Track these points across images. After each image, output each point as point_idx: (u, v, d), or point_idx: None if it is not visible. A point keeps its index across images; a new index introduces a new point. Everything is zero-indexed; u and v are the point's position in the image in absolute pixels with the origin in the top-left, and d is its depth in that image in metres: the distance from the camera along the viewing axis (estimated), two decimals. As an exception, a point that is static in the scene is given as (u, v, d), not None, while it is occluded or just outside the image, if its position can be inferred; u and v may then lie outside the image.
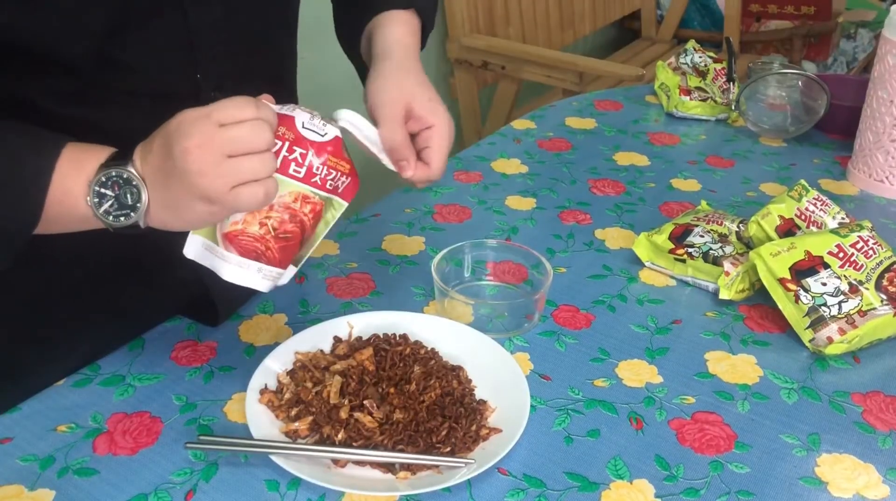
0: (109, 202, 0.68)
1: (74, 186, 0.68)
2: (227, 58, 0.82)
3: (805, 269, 0.94)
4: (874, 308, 0.92)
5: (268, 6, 0.86)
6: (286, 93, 0.96)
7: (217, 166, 0.64)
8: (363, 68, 0.93)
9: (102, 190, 0.68)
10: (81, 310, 0.88)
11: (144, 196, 0.68)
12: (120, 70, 0.76)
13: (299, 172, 0.71)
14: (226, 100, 0.66)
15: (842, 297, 0.92)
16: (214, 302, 0.91)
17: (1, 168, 0.67)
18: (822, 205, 1.06)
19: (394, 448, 0.75)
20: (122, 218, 0.68)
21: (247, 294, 0.96)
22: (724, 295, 0.99)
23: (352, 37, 0.96)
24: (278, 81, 0.94)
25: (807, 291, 0.93)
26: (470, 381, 0.85)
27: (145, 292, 0.91)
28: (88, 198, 0.68)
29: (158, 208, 0.68)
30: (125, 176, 0.67)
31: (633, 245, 1.08)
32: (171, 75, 0.79)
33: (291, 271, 0.75)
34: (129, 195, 0.68)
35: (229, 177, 0.65)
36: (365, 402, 0.78)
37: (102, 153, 0.69)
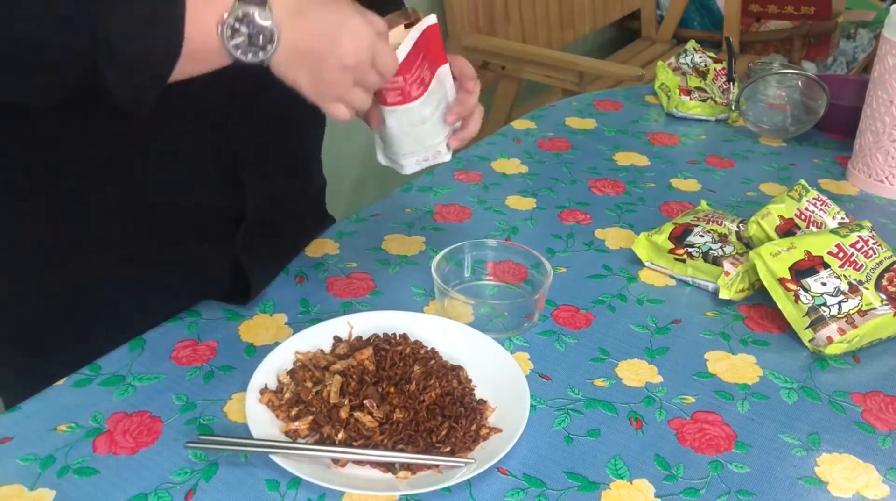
0: (241, 39, 0.70)
1: (208, 16, 0.70)
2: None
3: (805, 269, 0.94)
4: (874, 308, 0.92)
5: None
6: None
7: (343, 86, 0.75)
8: None
9: (237, 24, 0.70)
10: (124, 289, 0.93)
11: (275, 42, 0.71)
12: None
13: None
14: (386, 51, 0.76)
15: (842, 297, 0.92)
16: (248, 279, 0.95)
17: (137, 3, 0.68)
18: (821, 205, 1.06)
19: (394, 447, 0.75)
20: (250, 55, 0.71)
21: (275, 272, 1.02)
22: (723, 295, 0.99)
23: None
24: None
25: (806, 291, 0.93)
26: (470, 381, 0.85)
27: (183, 271, 0.94)
28: (219, 29, 0.70)
29: (284, 60, 0.73)
30: (259, 20, 0.70)
31: (633, 245, 1.08)
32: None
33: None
34: (261, 37, 0.70)
35: (340, 96, 0.76)
36: (365, 402, 0.78)
37: None
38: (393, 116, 0.84)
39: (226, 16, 0.69)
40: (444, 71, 0.85)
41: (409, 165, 0.90)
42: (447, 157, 0.90)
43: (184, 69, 0.71)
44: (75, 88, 0.71)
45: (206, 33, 0.70)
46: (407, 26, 0.82)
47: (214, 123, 0.88)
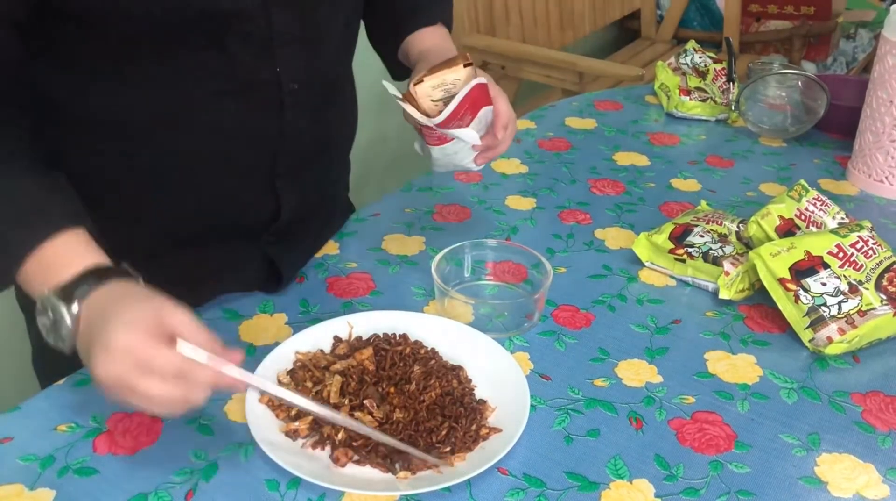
0: (47, 321, 0.70)
1: (38, 282, 0.71)
2: (303, 55, 0.89)
3: (805, 269, 0.94)
4: (874, 308, 0.92)
5: (338, 12, 0.94)
6: (345, 82, 1.04)
7: (121, 396, 0.66)
8: (397, 67, 1.11)
9: (42, 308, 0.70)
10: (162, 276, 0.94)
11: (65, 343, 0.70)
12: (211, 50, 0.81)
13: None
14: (159, 353, 0.66)
15: (841, 297, 0.92)
16: (280, 270, 0.99)
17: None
18: (821, 205, 1.06)
19: (394, 447, 0.75)
20: (51, 338, 0.71)
21: (305, 258, 1.05)
22: (723, 295, 0.99)
23: (387, 44, 1.11)
24: (346, 78, 1.04)
25: (806, 291, 0.93)
26: (470, 381, 0.85)
27: (221, 262, 0.97)
28: (37, 304, 0.71)
29: (80, 351, 0.70)
30: (59, 315, 0.69)
31: (633, 245, 1.08)
32: (255, 63, 0.85)
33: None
34: (59, 332, 0.70)
35: (126, 402, 0.67)
36: (365, 402, 0.78)
37: (71, 268, 0.71)
38: (430, 149, 0.98)
39: (45, 293, 0.70)
40: (485, 111, 0.93)
41: (438, 170, 1.02)
42: (475, 169, 1.02)
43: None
44: None
45: (32, 291, 0.72)
46: (465, 65, 0.91)
47: (263, 147, 0.92)
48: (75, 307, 0.69)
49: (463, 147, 0.96)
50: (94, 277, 0.71)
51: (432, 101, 0.92)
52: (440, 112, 0.90)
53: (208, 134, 0.87)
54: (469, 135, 0.92)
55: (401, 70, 1.12)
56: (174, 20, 0.78)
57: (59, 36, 0.79)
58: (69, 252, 0.73)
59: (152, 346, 0.65)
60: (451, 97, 0.90)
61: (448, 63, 0.92)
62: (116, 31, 0.78)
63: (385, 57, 1.14)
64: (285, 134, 0.91)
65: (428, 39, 1.06)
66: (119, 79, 0.82)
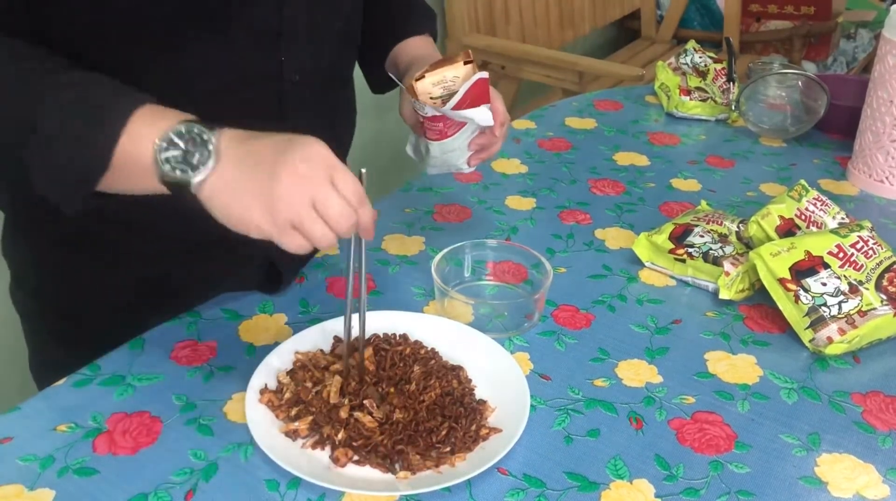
0: (176, 152, 0.66)
1: (150, 131, 0.67)
2: (308, 47, 0.89)
3: (805, 269, 0.94)
4: (874, 308, 0.92)
5: (338, 10, 0.94)
6: (345, 83, 1.03)
7: (299, 202, 0.66)
8: (378, 77, 1.08)
9: (175, 138, 0.67)
10: (162, 276, 0.95)
11: (211, 163, 0.66)
12: (212, 42, 0.80)
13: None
14: (349, 174, 0.69)
15: (842, 297, 0.92)
16: (280, 271, 0.97)
17: (81, 109, 0.68)
18: (821, 205, 1.06)
19: (394, 447, 0.75)
20: (178, 171, 0.67)
21: (305, 259, 1.04)
22: (724, 295, 0.99)
23: (375, 51, 1.08)
24: (346, 78, 1.03)
25: (807, 291, 0.93)
26: (470, 381, 0.85)
27: (220, 264, 0.95)
28: (157, 140, 0.67)
29: (219, 186, 0.67)
30: (205, 137, 0.67)
31: (633, 245, 1.08)
32: (259, 54, 0.84)
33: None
34: (196, 155, 0.66)
35: (296, 217, 0.67)
36: (365, 402, 0.78)
37: (188, 115, 0.69)
38: (429, 145, 0.98)
39: (167, 130, 0.67)
40: (484, 109, 0.93)
41: (432, 171, 1.03)
42: (468, 170, 1.02)
43: (114, 184, 0.70)
44: (7, 172, 0.72)
45: (142, 147, 0.67)
46: (465, 63, 0.92)
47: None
48: (216, 132, 0.67)
49: (461, 145, 0.97)
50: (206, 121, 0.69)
51: (431, 98, 0.92)
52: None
53: None
54: (482, 114, 0.92)
55: (380, 82, 1.09)
56: (189, 8, 0.76)
57: (63, 26, 0.76)
58: (172, 110, 0.70)
59: (342, 165, 0.68)
60: (451, 95, 0.91)
61: (448, 60, 0.92)
62: (128, 20, 0.76)
63: (368, 64, 1.11)
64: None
65: (420, 47, 1.06)
66: (121, 75, 0.81)
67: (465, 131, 0.97)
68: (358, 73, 1.06)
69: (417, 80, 0.91)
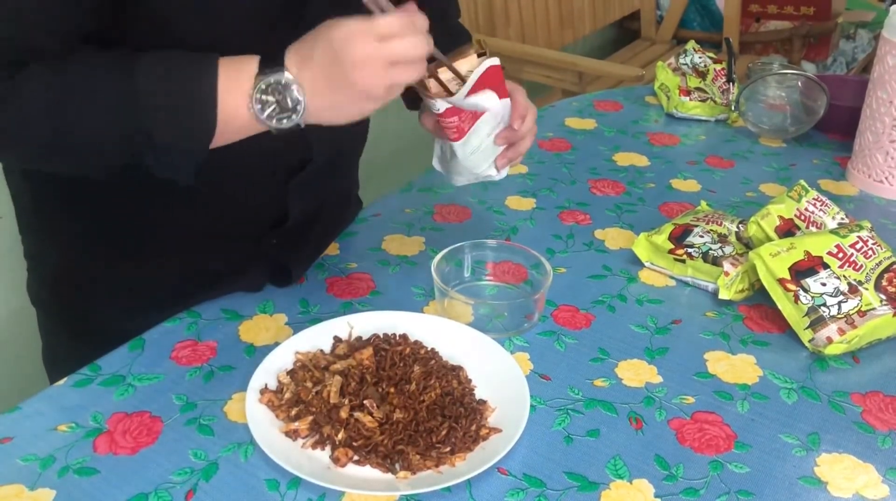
0: (272, 108, 0.74)
1: (236, 97, 0.74)
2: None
3: (804, 269, 0.94)
4: (873, 308, 0.92)
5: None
6: None
7: (382, 77, 0.73)
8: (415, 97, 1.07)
9: (264, 97, 0.74)
10: (165, 275, 0.97)
11: (303, 98, 0.74)
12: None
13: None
14: (380, 21, 0.73)
15: (841, 297, 0.92)
16: (288, 267, 0.99)
17: (173, 94, 0.74)
18: (821, 205, 1.06)
19: (394, 447, 0.76)
20: (284, 120, 0.75)
21: (313, 256, 1.05)
22: (723, 295, 0.99)
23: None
24: None
25: (806, 291, 0.93)
26: (470, 381, 0.85)
27: (230, 259, 0.97)
28: (250, 106, 0.74)
29: (319, 109, 0.75)
30: (283, 82, 0.74)
31: (633, 245, 1.08)
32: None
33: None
34: (289, 99, 0.74)
35: (390, 81, 0.74)
36: (365, 402, 0.78)
37: (251, 64, 0.75)
38: (453, 147, 0.94)
39: (252, 92, 0.74)
40: (504, 104, 0.91)
41: (459, 181, 1.00)
42: (497, 177, 0.98)
43: (221, 141, 0.77)
44: (122, 164, 0.77)
45: (237, 114, 0.75)
46: (479, 55, 0.89)
47: (276, 162, 0.93)
48: (285, 71, 0.74)
49: (484, 143, 0.93)
50: (268, 60, 0.75)
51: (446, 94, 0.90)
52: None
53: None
54: (490, 99, 0.89)
55: (416, 99, 1.09)
56: (254, 13, 0.81)
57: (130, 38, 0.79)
58: (237, 62, 0.75)
59: (370, 20, 0.73)
60: None
61: (461, 54, 0.90)
62: (187, 33, 0.79)
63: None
64: (302, 138, 0.91)
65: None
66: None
67: (483, 125, 0.92)
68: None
69: (430, 76, 0.89)
